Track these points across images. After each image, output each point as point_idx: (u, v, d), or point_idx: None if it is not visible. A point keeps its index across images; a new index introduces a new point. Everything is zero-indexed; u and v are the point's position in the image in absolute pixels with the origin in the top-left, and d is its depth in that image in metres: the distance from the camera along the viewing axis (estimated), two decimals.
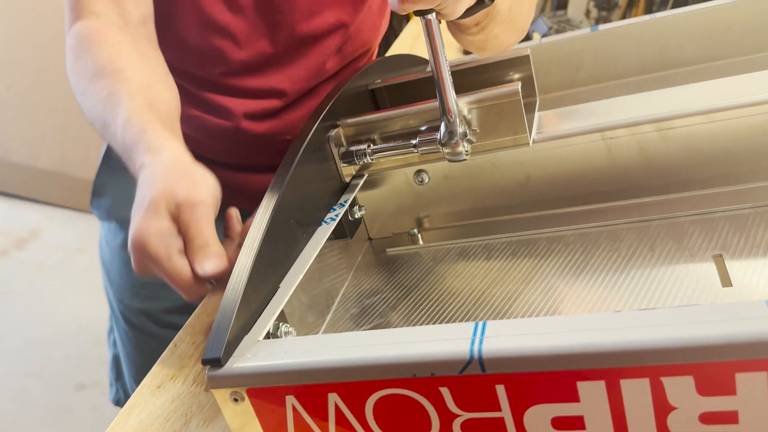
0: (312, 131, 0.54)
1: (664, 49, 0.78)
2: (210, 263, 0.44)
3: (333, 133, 0.57)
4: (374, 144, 0.58)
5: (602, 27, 0.78)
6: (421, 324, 0.50)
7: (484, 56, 0.64)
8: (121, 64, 0.57)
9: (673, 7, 1.88)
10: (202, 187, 0.48)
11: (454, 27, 0.62)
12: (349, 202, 0.56)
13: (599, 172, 0.55)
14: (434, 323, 0.50)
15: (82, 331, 1.88)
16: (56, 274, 2.09)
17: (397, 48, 1.15)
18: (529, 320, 0.34)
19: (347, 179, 0.59)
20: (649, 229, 0.52)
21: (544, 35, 1.10)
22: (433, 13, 0.49)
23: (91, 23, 0.61)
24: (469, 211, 0.61)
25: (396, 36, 1.23)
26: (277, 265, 0.46)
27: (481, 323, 0.35)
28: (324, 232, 0.52)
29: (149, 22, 0.66)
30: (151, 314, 0.86)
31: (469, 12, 0.55)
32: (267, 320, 0.42)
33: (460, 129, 0.52)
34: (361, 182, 0.59)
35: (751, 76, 0.53)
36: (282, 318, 0.44)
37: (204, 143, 0.81)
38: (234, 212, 0.57)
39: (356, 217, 0.59)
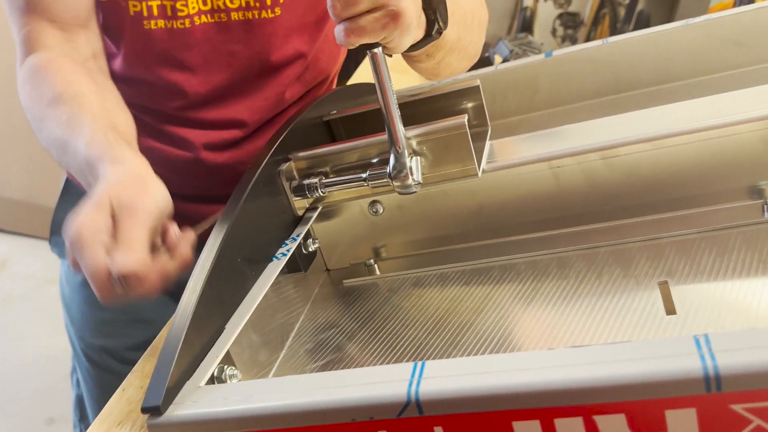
0: (262, 166, 0.54)
1: (617, 72, 0.80)
2: (121, 260, 0.44)
3: (284, 167, 0.57)
4: (326, 177, 0.58)
5: (556, 52, 0.79)
6: (374, 357, 0.49)
7: (437, 87, 0.65)
8: (79, 90, 0.58)
9: (636, 23, 1.93)
10: (151, 196, 0.48)
11: (405, 56, 0.63)
12: (301, 236, 0.56)
13: (548, 201, 0.56)
14: (388, 356, 0.49)
15: (51, 363, 1.84)
16: (25, 305, 2.05)
17: (358, 76, 1.15)
18: (467, 360, 0.34)
19: (300, 213, 0.58)
20: (598, 255, 0.53)
21: (505, 58, 1.12)
22: (379, 47, 0.49)
23: (45, 55, 0.62)
24: (424, 241, 0.61)
25: (358, 64, 1.23)
26: (223, 305, 0.46)
27: (420, 364, 0.35)
28: (274, 269, 0.51)
29: (100, 58, 0.67)
30: (114, 352, 0.84)
31: (416, 46, 0.55)
32: (210, 364, 0.41)
33: (408, 162, 0.52)
34: (315, 215, 0.59)
35: (693, 102, 0.54)
36: (227, 360, 0.43)
37: (162, 174, 0.80)
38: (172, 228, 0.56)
39: (310, 250, 0.59)
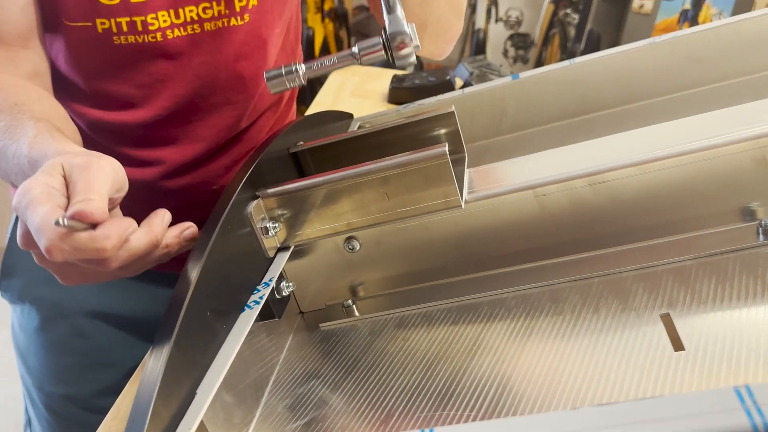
0: (229, 206, 0.50)
1: (583, 93, 0.78)
2: (78, 205, 0.40)
3: (253, 205, 0.52)
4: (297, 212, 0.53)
5: (523, 75, 0.78)
6: (362, 412, 0.45)
7: (410, 113, 0.62)
8: (19, 99, 0.55)
9: (586, 43, 1.96)
10: (106, 159, 0.45)
11: None
12: (274, 279, 0.51)
13: (535, 229, 0.53)
14: (377, 410, 0.45)
15: (1, 412, 1.72)
16: None
17: (320, 99, 1.12)
18: (480, 427, 0.30)
19: (271, 253, 0.54)
20: (591, 287, 0.50)
21: (466, 81, 1.10)
22: None
23: None
24: (405, 277, 0.57)
25: (321, 84, 1.20)
26: (193, 367, 0.41)
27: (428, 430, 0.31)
28: (247, 320, 0.47)
29: (44, 77, 0.64)
30: (78, 399, 0.78)
31: None
32: None
33: (407, 28, 0.48)
34: (287, 255, 0.54)
35: (677, 123, 0.52)
36: (201, 429, 0.39)
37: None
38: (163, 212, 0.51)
39: (284, 294, 0.54)
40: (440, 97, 0.79)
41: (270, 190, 0.54)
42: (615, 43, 1.98)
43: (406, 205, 0.51)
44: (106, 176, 0.43)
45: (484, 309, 0.52)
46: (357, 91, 1.15)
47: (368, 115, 0.80)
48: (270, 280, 0.51)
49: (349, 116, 0.82)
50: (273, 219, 0.54)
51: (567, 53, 1.98)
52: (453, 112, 0.59)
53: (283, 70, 0.52)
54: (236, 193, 0.50)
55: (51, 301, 0.78)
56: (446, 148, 0.50)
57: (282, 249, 0.55)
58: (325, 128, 0.74)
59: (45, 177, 0.42)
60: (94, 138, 0.71)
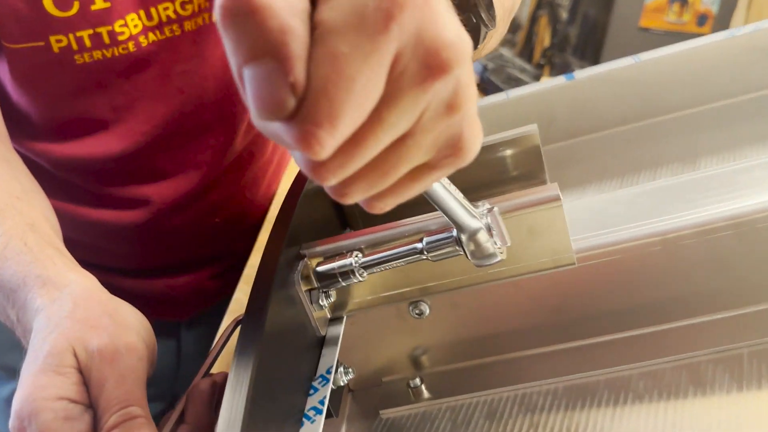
0: (276, 274, 0.36)
1: (648, 94, 0.67)
2: None
3: (300, 270, 0.39)
4: (362, 255, 0.40)
5: (578, 74, 0.66)
6: None
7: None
8: None
9: (581, 27, 1.86)
10: (128, 329, 0.33)
11: None
12: (332, 374, 0.38)
13: (663, 283, 0.41)
14: None
15: None
16: None
17: None
18: None
19: (323, 330, 0.41)
20: (743, 360, 0.39)
21: (481, 76, 0.98)
22: None
23: None
24: (489, 348, 0.45)
25: None
26: None
27: None
28: None
29: None
30: None
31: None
32: None
33: (484, 219, 0.35)
34: (341, 330, 0.42)
35: None
36: None
37: (100, 248, 0.63)
38: (204, 387, 0.39)
39: (341, 384, 0.42)
40: (486, 100, 0.67)
41: (319, 248, 0.41)
42: (604, 25, 1.89)
43: (501, 266, 0.39)
44: (139, 363, 0.32)
45: (603, 392, 0.41)
46: None
47: None
48: (328, 372, 0.39)
49: None
50: (322, 280, 0.41)
51: (558, 36, 1.88)
52: (536, 134, 0.47)
53: (336, 265, 0.39)
54: (281, 252, 0.38)
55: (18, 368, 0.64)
56: (558, 191, 0.38)
57: (333, 321, 0.42)
58: None
59: (52, 384, 0.30)
60: (64, 177, 0.57)
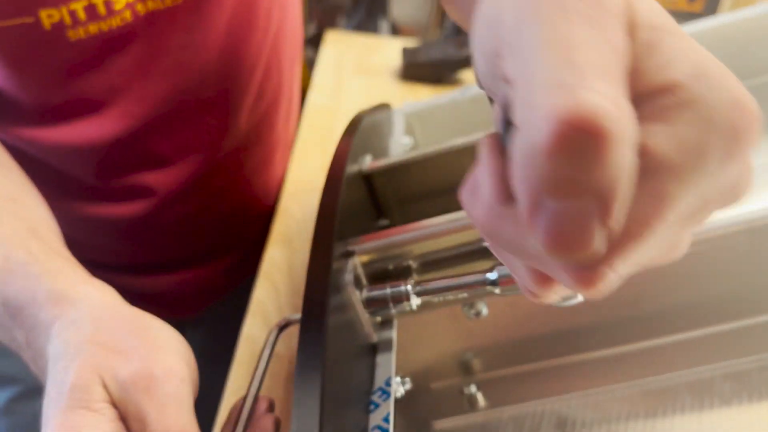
0: (329, 275, 0.32)
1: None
2: None
3: (350, 266, 0.35)
4: (415, 275, 0.36)
5: None
6: None
7: None
8: None
9: None
10: (162, 349, 0.29)
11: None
12: (393, 388, 0.34)
13: (749, 275, 0.38)
14: None
15: None
16: None
17: (319, 81, 0.92)
18: None
19: (375, 336, 0.37)
20: None
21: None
22: None
23: None
24: (551, 350, 0.41)
25: (311, 65, 1.01)
26: None
27: None
28: None
29: None
30: None
31: None
32: None
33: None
34: (394, 336, 0.37)
35: None
36: None
37: (99, 245, 0.58)
38: (267, 426, 0.34)
39: (398, 396, 0.37)
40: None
41: (368, 244, 0.36)
42: None
43: None
44: (181, 386, 0.27)
45: (685, 397, 0.37)
46: (361, 67, 0.97)
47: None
48: (387, 384, 0.34)
49: (387, 107, 0.64)
50: (373, 285, 0.36)
51: None
52: None
53: (388, 291, 0.34)
54: (331, 261, 0.33)
55: (11, 376, 0.59)
56: None
57: (383, 326, 0.38)
58: (377, 131, 0.56)
59: (87, 419, 0.26)
60: (57, 168, 0.52)
